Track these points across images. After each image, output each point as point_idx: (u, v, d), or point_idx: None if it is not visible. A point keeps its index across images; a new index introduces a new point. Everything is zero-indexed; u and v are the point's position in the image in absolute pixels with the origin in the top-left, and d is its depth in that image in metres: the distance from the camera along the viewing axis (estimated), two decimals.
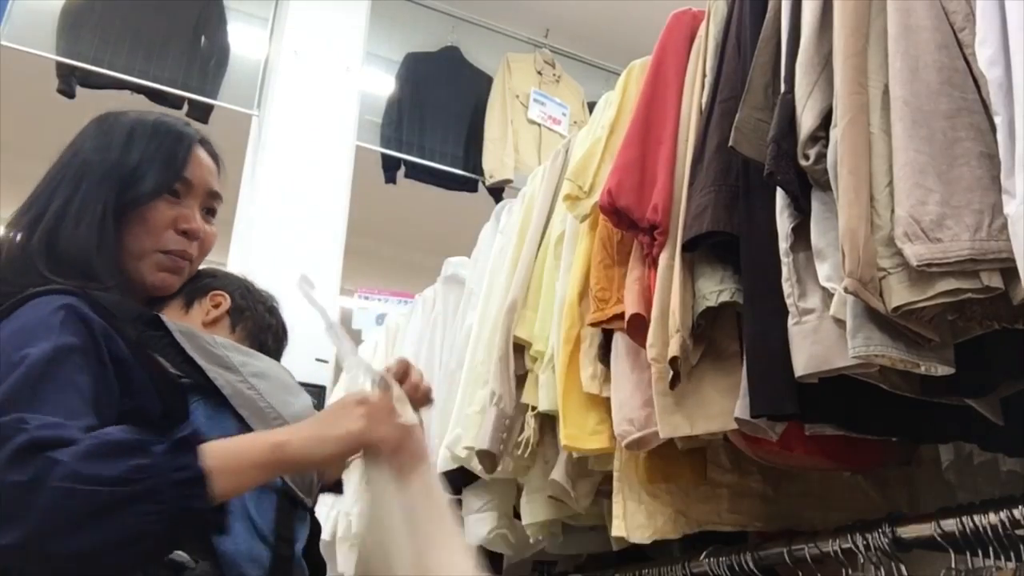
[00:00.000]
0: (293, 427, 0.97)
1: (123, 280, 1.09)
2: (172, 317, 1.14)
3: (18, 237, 1.08)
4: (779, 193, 1.16)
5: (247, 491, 0.95)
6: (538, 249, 1.93)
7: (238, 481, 0.89)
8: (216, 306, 1.23)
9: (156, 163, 1.13)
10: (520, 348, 1.85)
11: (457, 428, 2.01)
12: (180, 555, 0.92)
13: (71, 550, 0.79)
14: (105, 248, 1.07)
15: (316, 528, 1.17)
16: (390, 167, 4.26)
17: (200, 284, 1.24)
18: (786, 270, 1.14)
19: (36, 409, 0.84)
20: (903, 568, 1.21)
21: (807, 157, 1.10)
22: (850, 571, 1.29)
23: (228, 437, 0.92)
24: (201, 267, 1.25)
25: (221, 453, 0.87)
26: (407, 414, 1.01)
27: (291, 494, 1.05)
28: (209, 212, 1.21)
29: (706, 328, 1.33)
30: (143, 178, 1.11)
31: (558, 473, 1.72)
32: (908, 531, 1.20)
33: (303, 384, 1.21)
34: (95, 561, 0.81)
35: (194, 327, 1.14)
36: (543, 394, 1.73)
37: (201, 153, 1.19)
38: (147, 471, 0.81)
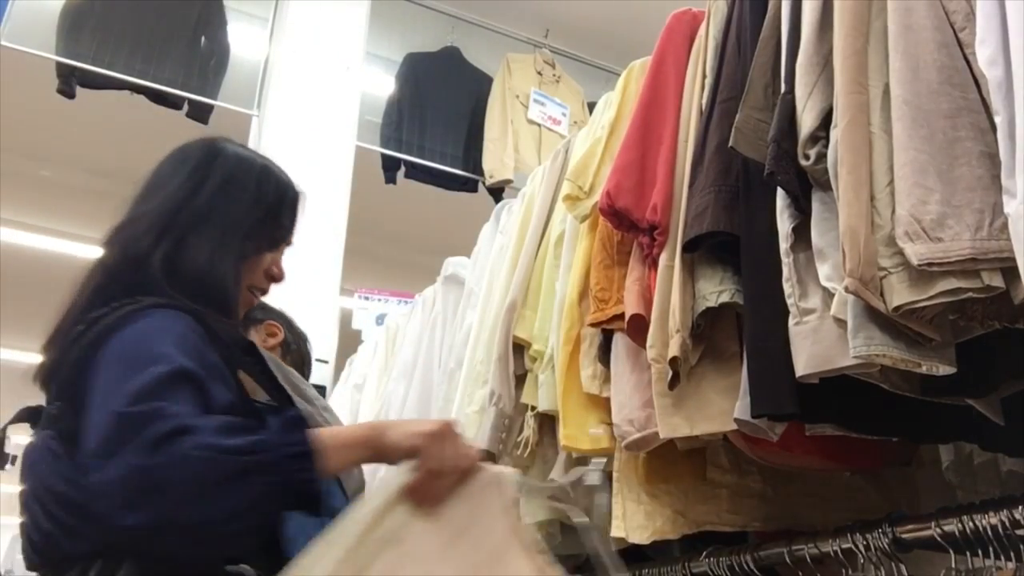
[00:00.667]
0: (382, 421, 1.05)
1: (236, 312, 1.22)
2: None
3: (133, 251, 1.16)
4: (779, 193, 1.16)
5: (346, 470, 1.06)
6: (538, 249, 1.93)
7: (339, 459, 0.98)
8: (271, 335, 1.38)
9: (282, 222, 1.27)
10: (520, 348, 1.85)
11: None
12: (245, 568, 0.97)
13: (194, 521, 0.88)
14: (238, 283, 1.21)
15: None
16: (390, 167, 4.26)
17: (253, 314, 1.35)
18: (786, 270, 1.14)
19: (170, 401, 0.93)
20: (903, 568, 1.21)
21: (807, 157, 1.10)
22: (850, 571, 1.29)
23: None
24: None
25: (326, 433, 0.97)
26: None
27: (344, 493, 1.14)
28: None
29: (706, 329, 1.33)
30: (268, 234, 1.25)
31: (557, 473, 1.72)
32: (908, 531, 1.20)
33: None
34: (213, 532, 0.90)
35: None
36: (543, 394, 1.73)
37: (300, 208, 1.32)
38: (266, 444, 0.91)
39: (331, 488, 1.13)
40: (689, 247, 1.32)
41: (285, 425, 0.96)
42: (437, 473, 1.00)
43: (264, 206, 1.25)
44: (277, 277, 1.28)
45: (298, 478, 0.93)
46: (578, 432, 1.60)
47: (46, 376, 1.12)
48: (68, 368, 1.07)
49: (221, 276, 1.17)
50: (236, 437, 0.91)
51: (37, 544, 1.03)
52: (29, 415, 1.16)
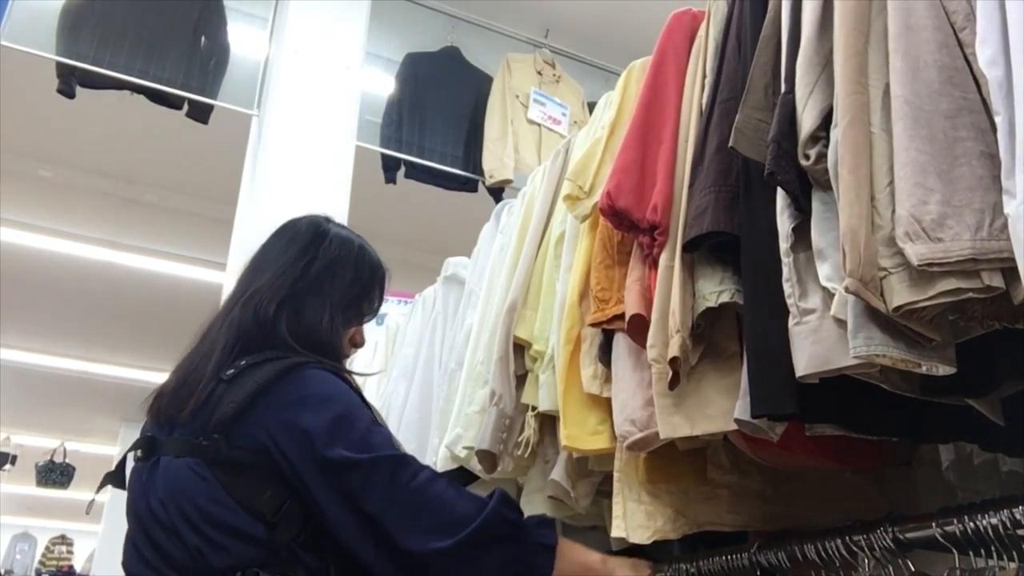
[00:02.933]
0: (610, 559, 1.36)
1: None
2: None
3: (254, 312, 1.39)
4: (779, 193, 1.16)
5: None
6: (538, 249, 1.93)
7: (567, 569, 1.27)
8: None
9: (373, 299, 1.53)
10: (520, 348, 1.84)
11: (457, 428, 2.01)
12: None
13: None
14: (341, 344, 1.47)
15: None
16: (390, 167, 4.26)
17: None
18: (786, 270, 1.14)
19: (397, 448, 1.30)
20: (909, 564, 1.21)
21: (807, 157, 1.10)
22: (850, 571, 1.29)
23: None
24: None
25: (568, 545, 1.29)
26: None
27: None
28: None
29: (706, 329, 1.33)
30: (362, 309, 1.51)
31: (558, 473, 1.72)
32: (909, 531, 1.20)
33: None
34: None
35: None
36: (543, 394, 1.73)
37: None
38: (525, 526, 1.26)
39: None
40: (689, 247, 1.32)
41: (541, 523, 1.29)
42: None
43: (360, 285, 1.49)
44: (358, 344, 1.53)
45: (536, 564, 1.21)
46: (579, 432, 1.60)
47: (180, 410, 1.31)
48: (226, 406, 1.27)
49: (332, 340, 1.41)
50: (511, 510, 1.25)
51: (176, 558, 1.23)
52: (145, 443, 1.37)
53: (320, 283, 1.44)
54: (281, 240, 1.53)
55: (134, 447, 1.39)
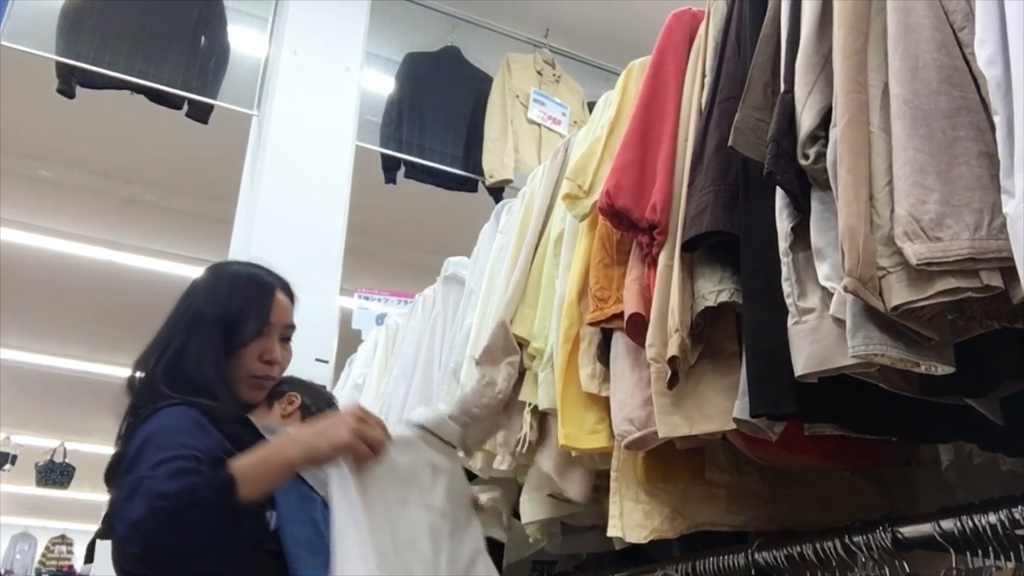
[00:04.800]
0: (296, 439, 1.29)
1: (229, 395, 1.45)
2: (259, 414, 1.53)
3: (142, 373, 1.46)
4: (779, 193, 1.16)
5: (268, 492, 1.28)
6: (537, 248, 1.93)
7: (261, 487, 1.24)
8: (291, 403, 1.67)
9: (251, 314, 1.50)
10: (519, 346, 1.84)
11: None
12: None
13: (170, 549, 1.16)
14: (221, 377, 1.45)
15: None
16: (390, 167, 4.26)
17: (278, 389, 1.63)
18: (785, 270, 1.14)
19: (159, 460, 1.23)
20: (905, 565, 1.21)
21: (807, 156, 1.10)
22: (850, 571, 1.29)
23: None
24: None
25: (247, 470, 1.22)
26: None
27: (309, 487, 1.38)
28: (286, 340, 1.56)
29: (705, 328, 1.33)
30: (243, 328, 1.48)
31: (546, 464, 1.72)
32: (908, 531, 1.20)
33: None
34: (192, 557, 1.18)
35: (274, 423, 1.56)
36: (542, 392, 1.74)
37: (281, 297, 1.54)
38: (199, 486, 1.19)
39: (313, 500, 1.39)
40: (688, 246, 1.32)
41: (214, 466, 1.23)
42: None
43: (237, 303, 1.49)
44: (274, 362, 1.50)
45: (226, 505, 1.18)
46: (577, 431, 1.60)
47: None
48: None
49: (204, 374, 1.43)
50: (176, 480, 1.19)
51: None
52: None
53: (196, 322, 1.47)
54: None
55: None
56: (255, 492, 1.22)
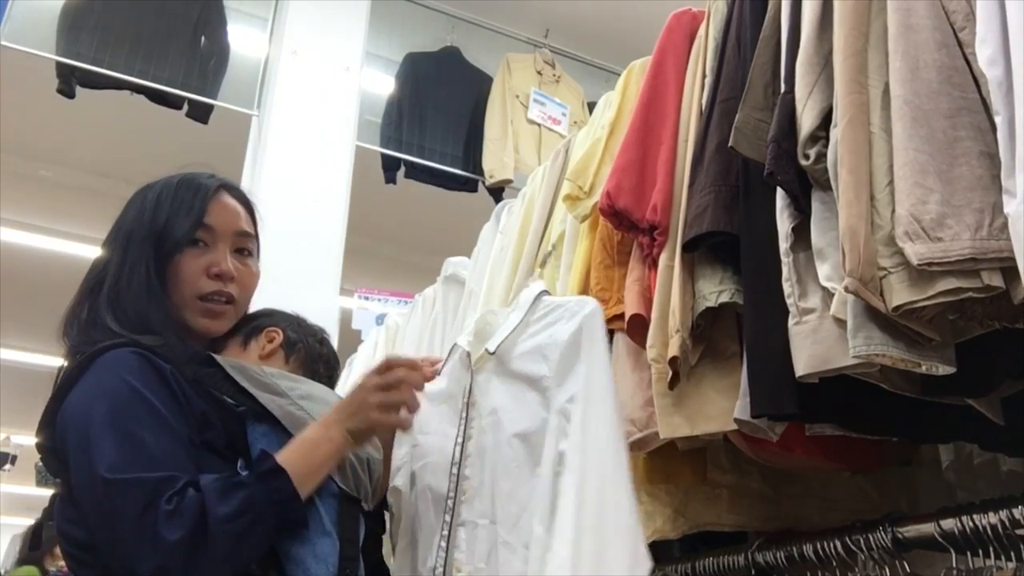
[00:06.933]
0: (331, 423, 1.15)
1: (179, 328, 1.23)
2: (232, 354, 1.30)
3: (87, 305, 1.22)
4: (779, 193, 1.16)
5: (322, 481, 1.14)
6: (538, 249, 1.92)
7: (313, 483, 1.11)
8: (270, 341, 1.38)
9: (178, 218, 1.25)
10: None
11: None
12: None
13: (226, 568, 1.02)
14: (155, 301, 1.21)
15: (377, 528, 1.33)
16: (390, 167, 4.26)
17: (256, 323, 1.39)
18: (786, 270, 1.14)
19: (150, 467, 1.02)
20: (906, 565, 1.21)
21: (807, 157, 1.10)
22: (850, 571, 1.29)
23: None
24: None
25: (299, 467, 1.08)
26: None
27: (346, 495, 1.18)
28: (241, 252, 1.30)
29: (706, 328, 1.33)
30: (170, 234, 1.23)
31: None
32: (908, 531, 1.20)
33: None
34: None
35: (244, 361, 1.28)
36: None
37: (223, 198, 1.30)
38: (252, 501, 1.03)
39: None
40: (689, 247, 1.32)
41: (264, 475, 1.07)
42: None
43: (166, 210, 1.25)
44: (221, 275, 1.25)
45: (287, 517, 1.07)
46: None
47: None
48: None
49: (138, 302, 1.20)
50: (226, 502, 1.02)
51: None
52: None
53: (125, 242, 1.24)
54: None
55: None
56: (309, 493, 1.10)
